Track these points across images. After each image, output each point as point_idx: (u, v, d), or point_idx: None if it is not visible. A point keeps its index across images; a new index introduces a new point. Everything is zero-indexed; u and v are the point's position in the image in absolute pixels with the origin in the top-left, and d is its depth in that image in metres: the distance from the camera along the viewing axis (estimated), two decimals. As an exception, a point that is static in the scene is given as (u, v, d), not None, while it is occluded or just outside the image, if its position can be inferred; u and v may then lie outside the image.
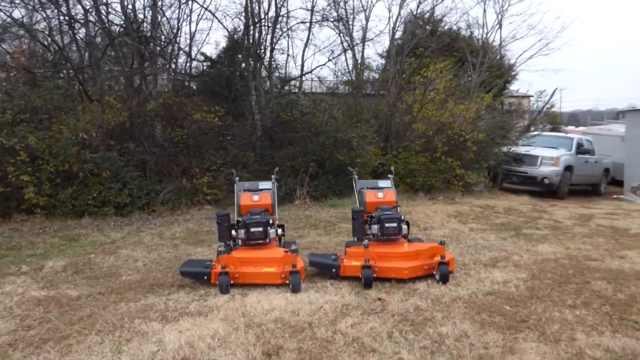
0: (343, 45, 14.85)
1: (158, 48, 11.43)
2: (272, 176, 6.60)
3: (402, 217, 5.70)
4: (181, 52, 12.83)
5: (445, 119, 11.21)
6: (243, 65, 13.11)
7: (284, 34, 12.13)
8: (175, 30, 12.38)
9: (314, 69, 13.01)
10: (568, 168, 12.70)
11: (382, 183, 6.49)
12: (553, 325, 3.90)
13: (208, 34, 12.56)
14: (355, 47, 15.02)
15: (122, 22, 11.17)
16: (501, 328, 3.89)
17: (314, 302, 4.58)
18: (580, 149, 13.49)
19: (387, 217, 5.63)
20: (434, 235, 7.39)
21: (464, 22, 15.55)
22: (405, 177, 11.36)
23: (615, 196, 13.84)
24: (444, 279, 5.06)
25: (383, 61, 18.29)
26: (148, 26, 11.35)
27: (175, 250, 6.93)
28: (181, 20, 12.48)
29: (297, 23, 12.48)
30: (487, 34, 17.23)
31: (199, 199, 10.20)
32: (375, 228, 5.67)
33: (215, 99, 12.95)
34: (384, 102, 12.71)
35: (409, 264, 5.20)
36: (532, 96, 14.57)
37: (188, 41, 13.17)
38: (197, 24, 13.76)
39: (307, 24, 12.81)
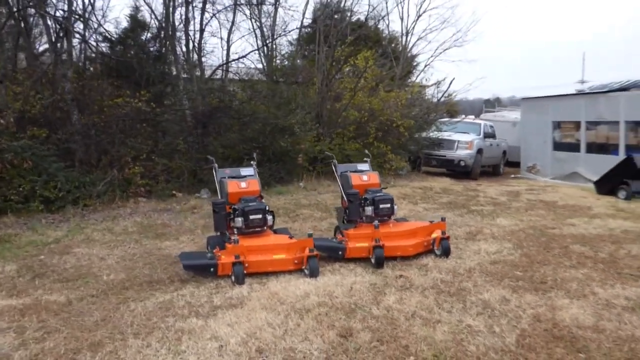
0: (255, 32, 14.47)
1: (82, 24, 10.22)
2: (252, 162, 6.34)
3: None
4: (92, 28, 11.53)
5: (376, 105, 11.62)
6: (156, 46, 12.27)
7: (214, 17, 11.54)
8: (87, 6, 11.10)
9: (244, 56, 12.40)
10: (479, 151, 13.98)
11: (361, 166, 6.59)
12: (571, 284, 4.35)
13: (105, 10, 11.12)
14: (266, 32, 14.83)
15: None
16: (530, 290, 4.24)
17: (340, 284, 4.56)
18: (487, 134, 14.91)
19: (381, 198, 5.76)
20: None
21: (372, 13, 15.88)
22: (340, 162, 11.56)
23: (512, 175, 15.51)
24: (447, 253, 5.33)
25: (292, 48, 18.35)
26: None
27: (140, 246, 6.38)
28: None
29: (223, 8, 11.89)
30: (388, 26, 18.10)
31: (135, 191, 9.42)
32: (369, 210, 5.76)
33: (125, 83, 11.92)
34: (313, 89, 12.77)
35: (413, 242, 5.39)
36: (431, 86, 15.53)
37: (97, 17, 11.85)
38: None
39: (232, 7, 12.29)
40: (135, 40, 12.80)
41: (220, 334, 3.52)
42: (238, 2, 12.19)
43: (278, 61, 15.40)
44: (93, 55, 12.75)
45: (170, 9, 11.28)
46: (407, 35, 15.86)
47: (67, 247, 6.32)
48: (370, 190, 5.96)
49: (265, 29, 14.28)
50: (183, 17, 11.26)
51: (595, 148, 13.20)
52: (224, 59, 12.31)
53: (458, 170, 13.65)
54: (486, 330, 3.50)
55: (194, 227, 7.41)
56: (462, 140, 13.70)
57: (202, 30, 11.20)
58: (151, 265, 5.47)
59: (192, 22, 11.42)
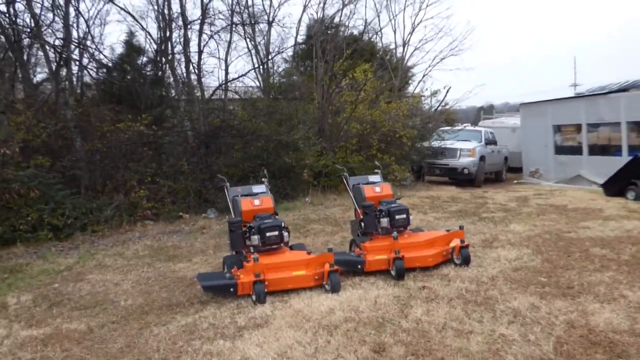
0: (250, 51, 14.49)
1: (78, 51, 10.25)
2: (264, 179, 6.31)
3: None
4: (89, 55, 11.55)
5: (378, 117, 11.64)
6: (153, 70, 12.30)
7: (212, 38, 11.59)
8: (86, 33, 11.17)
9: (242, 76, 12.44)
10: (482, 158, 13.98)
11: (373, 178, 6.57)
12: (599, 288, 4.30)
13: (101, 37, 11.17)
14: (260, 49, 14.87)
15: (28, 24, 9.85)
16: (558, 296, 4.19)
17: (363, 298, 4.49)
18: (488, 140, 14.94)
19: (397, 209, 5.72)
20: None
21: (364, 27, 15.98)
22: (338, 177, 11.57)
23: (515, 181, 15.51)
24: (467, 261, 5.28)
25: (288, 65, 18.44)
26: (59, 27, 10.13)
27: (154, 269, 6.30)
28: (92, 21, 11.28)
29: (219, 29, 11.93)
30: (381, 38, 18.18)
31: (142, 214, 9.36)
32: (385, 221, 5.71)
33: (124, 107, 11.92)
34: (312, 104, 12.80)
35: (432, 252, 5.34)
36: (430, 96, 15.56)
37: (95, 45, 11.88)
38: (103, 26, 12.48)
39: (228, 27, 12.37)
40: (131, 65, 12.86)
41: (250, 354, 3.45)
42: (234, 23, 12.25)
43: (276, 79, 15.49)
44: (90, 82, 12.79)
45: (167, 32, 11.37)
46: (403, 47, 15.95)
47: (80, 274, 6.25)
48: (384, 201, 5.93)
49: (260, 48, 14.38)
50: (181, 39, 11.33)
51: (598, 150, 13.23)
52: (223, 78, 12.36)
53: (461, 179, 13.64)
54: (521, 339, 3.44)
55: (205, 248, 7.34)
56: (465, 148, 13.71)
57: (200, 52, 11.26)
58: (167, 289, 5.40)
59: (190, 44, 11.45)
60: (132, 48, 13.16)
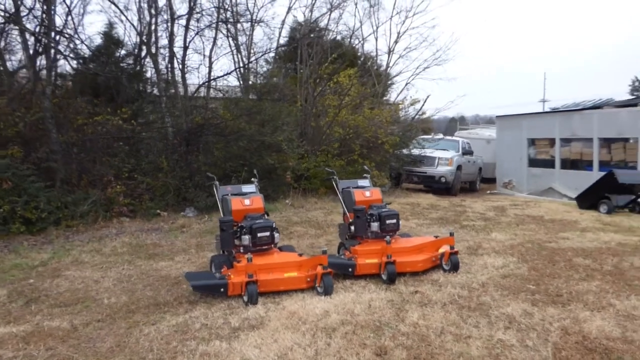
0: (232, 50, 14.29)
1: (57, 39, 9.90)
2: (254, 179, 6.22)
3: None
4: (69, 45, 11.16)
5: (361, 123, 11.70)
6: (132, 64, 12.00)
7: (198, 34, 11.38)
8: (66, 21, 10.79)
9: (227, 74, 12.27)
10: (459, 167, 14.22)
11: (362, 182, 6.57)
12: (587, 296, 4.40)
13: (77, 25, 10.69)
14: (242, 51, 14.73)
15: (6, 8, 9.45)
16: (549, 303, 4.27)
17: (357, 301, 4.47)
18: (465, 151, 15.21)
19: (387, 214, 5.73)
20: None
21: (348, 33, 16.01)
22: (325, 180, 11.55)
23: (489, 191, 15.83)
24: (456, 268, 5.33)
25: (269, 67, 18.34)
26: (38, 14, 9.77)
27: (135, 267, 6.13)
28: (73, 9, 10.88)
29: (205, 26, 11.73)
30: (363, 45, 18.30)
31: (118, 211, 9.10)
32: (375, 225, 5.72)
33: (101, 100, 11.58)
34: (295, 107, 12.76)
35: (422, 257, 5.37)
36: (412, 104, 15.74)
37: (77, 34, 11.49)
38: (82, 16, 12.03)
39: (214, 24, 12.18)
40: (109, 57, 12.52)
41: (249, 356, 3.37)
42: (220, 20, 12.09)
43: (258, 80, 15.35)
44: (66, 72, 12.38)
45: (153, 25, 11.12)
46: (388, 54, 16.10)
47: (57, 270, 6.03)
48: (374, 205, 5.93)
49: (242, 48, 14.22)
50: (167, 33, 11.09)
51: (570, 164, 13.64)
52: (207, 76, 12.16)
53: (438, 187, 13.82)
54: (519, 345, 3.48)
55: (186, 247, 7.19)
56: (443, 157, 13.92)
57: (185, 47, 11.04)
58: (152, 287, 5.25)
59: (174, 39, 11.22)
60: (111, 40, 12.83)
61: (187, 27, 11.01)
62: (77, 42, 10.93)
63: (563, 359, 3.26)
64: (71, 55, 10.79)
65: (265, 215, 5.58)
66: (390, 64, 16.08)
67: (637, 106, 12.20)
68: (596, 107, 13.31)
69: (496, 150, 16.12)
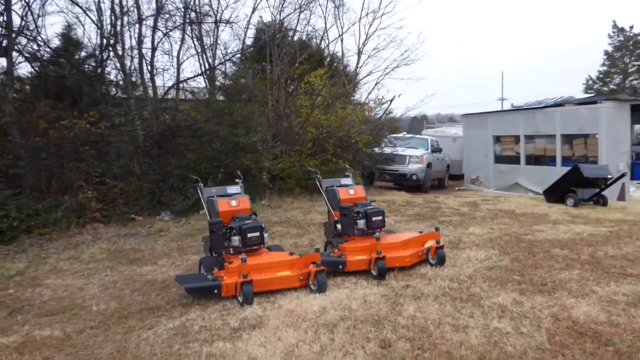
0: (197, 51, 14.02)
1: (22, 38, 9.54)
2: (238, 180, 6.20)
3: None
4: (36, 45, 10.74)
5: (334, 122, 11.80)
6: (92, 66, 11.69)
7: (166, 35, 11.18)
8: (26, 21, 10.39)
9: (196, 75, 12.14)
10: (429, 165, 14.53)
11: (345, 180, 6.65)
12: (570, 285, 4.62)
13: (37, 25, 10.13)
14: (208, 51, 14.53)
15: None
16: (535, 292, 4.46)
17: (351, 297, 4.54)
18: (434, 148, 15.56)
19: (373, 211, 5.84)
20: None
21: (313, 33, 16.03)
22: (300, 180, 11.60)
23: (457, 188, 16.25)
24: (442, 261, 5.48)
25: (235, 68, 18.21)
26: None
27: (118, 273, 6.01)
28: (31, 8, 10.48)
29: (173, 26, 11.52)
30: (328, 46, 18.42)
31: (92, 216, 8.86)
32: (361, 223, 5.81)
33: (64, 103, 11.21)
34: (267, 108, 12.74)
35: (409, 252, 5.49)
36: (383, 104, 15.93)
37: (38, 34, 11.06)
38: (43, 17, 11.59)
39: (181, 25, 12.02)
40: (70, 60, 12.16)
41: (256, 354, 3.39)
42: (186, 21, 11.95)
43: (227, 81, 15.20)
44: (25, 75, 11.92)
45: (119, 27, 10.88)
46: (358, 55, 16.27)
47: (35, 279, 5.85)
48: (359, 203, 6.02)
49: (208, 49, 14.03)
50: (136, 34, 10.87)
51: (534, 160, 14.18)
52: (175, 78, 11.98)
53: (409, 184, 14.08)
54: (514, 332, 3.63)
55: (168, 251, 7.09)
56: (414, 155, 14.20)
57: (154, 49, 10.85)
58: (140, 292, 5.17)
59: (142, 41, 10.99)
60: (70, 41, 12.46)
61: (154, 28, 10.84)
62: (40, 43, 10.58)
63: (557, 343, 3.42)
64: (33, 57, 10.42)
65: (254, 216, 5.58)
66: (360, 65, 16.25)
67: (597, 103, 12.80)
68: (558, 104, 13.90)
69: (463, 147, 16.56)
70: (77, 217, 8.61)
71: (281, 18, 13.73)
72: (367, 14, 17.02)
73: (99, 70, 11.82)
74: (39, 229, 7.93)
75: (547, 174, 13.39)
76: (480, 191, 14.41)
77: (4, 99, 9.68)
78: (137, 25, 10.42)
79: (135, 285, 5.42)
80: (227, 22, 12.90)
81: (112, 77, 11.97)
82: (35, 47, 10.75)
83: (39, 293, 5.30)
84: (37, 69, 10.52)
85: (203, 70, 13.36)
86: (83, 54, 12.65)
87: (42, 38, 10.14)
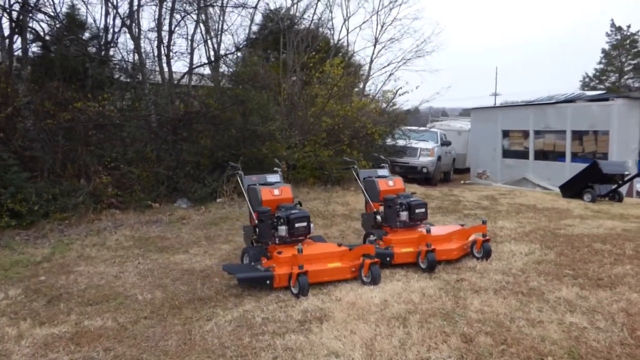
0: (209, 39, 13.68)
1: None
2: (277, 169, 6.05)
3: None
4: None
5: (352, 113, 11.66)
6: (102, 48, 11.38)
7: (183, 19, 10.90)
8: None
9: (210, 62, 11.88)
10: (439, 158, 14.50)
11: (382, 172, 6.55)
12: (628, 279, 4.58)
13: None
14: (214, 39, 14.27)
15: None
16: (596, 287, 4.40)
17: (409, 290, 4.45)
18: (443, 142, 15.52)
19: (417, 203, 5.74)
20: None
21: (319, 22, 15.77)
22: (314, 170, 11.47)
23: (462, 181, 16.26)
24: (489, 255, 5.41)
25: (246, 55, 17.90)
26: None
27: (151, 261, 5.86)
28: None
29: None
30: (333, 35, 18.22)
31: (108, 202, 8.64)
32: (404, 215, 5.71)
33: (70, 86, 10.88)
34: (281, 96, 12.54)
35: (455, 245, 5.41)
36: (398, 95, 15.73)
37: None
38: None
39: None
40: (84, 40, 11.83)
41: (335, 349, 3.27)
42: (204, 4, 11.67)
43: (239, 68, 14.89)
44: (32, 55, 11.56)
45: (135, 7, 10.57)
46: (374, 45, 16.11)
47: (65, 266, 5.66)
48: (402, 195, 5.92)
49: (218, 35, 13.72)
50: (155, 16, 10.57)
51: (543, 155, 14.21)
52: (189, 64, 11.72)
53: (420, 177, 14.02)
54: (591, 327, 3.57)
55: (196, 239, 6.93)
56: (424, 147, 14.14)
57: (171, 32, 10.58)
58: (182, 281, 5.02)
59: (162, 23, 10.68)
60: (74, 22, 12.14)
61: (172, 10, 10.55)
62: (52, 21, 10.25)
63: (639, 338, 3.36)
64: (49, 36, 10.10)
65: (299, 205, 5.44)
66: (374, 55, 16.10)
67: (608, 100, 12.84)
68: (569, 100, 13.91)
69: (470, 141, 16.55)
70: (95, 203, 8.38)
71: (298, 6, 13.47)
72: (384, 7, 16.74)
73: (111, 51, 11.54)
74: (56, 214, 7.69)
75: (556, 170, 13.45)
76: (490, 185, 14.41)
77: (19, 78, 9.38)
78: (154, 7, 10.08)
79: (174, 274, 5.27)
80: (241, 6, 12.58)
81: (128, 59, 11.69)
82: (48, 25, 10.46)
83: (74, 280, 5.12)
84: (52, 48, 10.16)
85: (221, 55, 13.06)
86: (89, 35, 12.37)
87: (57, 15, 9.74)
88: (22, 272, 5.48)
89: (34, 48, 11.18)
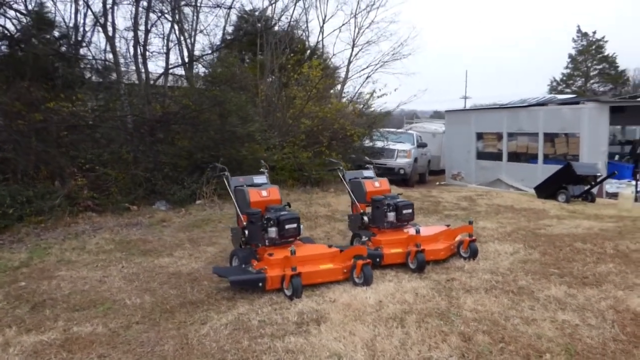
0: (178, 37, 13.45)
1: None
2: (263, 169, 6.01)
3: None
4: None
5: (330, 114, 11.69)
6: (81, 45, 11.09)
7: (159, 19, 10.70)
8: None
9: (186, 63, 11.69)
10: (416, 160, 14.66)
11: (367, 173, 6.57)
12: (612, 277, 4.72)
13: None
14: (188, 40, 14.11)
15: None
16: (583, 285, 4.53)
17: (401, 290, 4.48)
18: (419, 143, 15.70)
19: (404, 204, 5.79)
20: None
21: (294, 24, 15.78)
22: (293, 171, 11.45)
23: (437, 183, 16.48)
24: (475, 255, 5.49)
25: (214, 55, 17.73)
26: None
27: (135, 265, 5.72)
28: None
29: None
30: (308, 37, 18.26)
31: (85, 205, 8.40)
32: (392, 215, 5.75)
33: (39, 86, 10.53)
34: (258, 97, 12.47)
35: (443, 245, 5.48)
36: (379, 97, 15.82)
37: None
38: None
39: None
40: (46, 39, 11.46)
41: (336, 350, 3.26)
42: (181, 3, 11.50)
43: (211, 69, 14.72)
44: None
45: (109, 6, 10.33)
46: (352, 48, 16.19)
47: (45, 271, 5.48)
48: (389, 196, 5.96)
49: (193, 35, 13.52)
50: (131, 15, 10.35)
51: (516, 157, 14.55)
52: (165, 64, 11.53)
53: (397, 178, 14.12)
54: (583, 324, 3.66)
55: (178, 242, 6.80)
56: (402, 149, 14.27)
57: (147, 31, 10.38)
58: (170, 285, 4.92)
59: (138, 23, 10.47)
60: (42, 20, 11.76)
61: (148, 9, 10.35)
62: (27, 18, 9.92)
63: (631, 334, 3.47)
64: (18, 33, 9.75)
65: (288, 207, 5.41)
66: (352, 58, 16.18)
67: (579, 104, 13.25)
68: (541, 104, 14.29)
69: (445, 143, 16.79)
70: (71, 206, 8.14)
71: (275, 7, 13.41)
72: (362, 10, 16.84)
73: (82, 50, 11.22)
74: (32, 217, 7.43)
75: (528, 171, 13.78)
76: (465, 186, 14.65)
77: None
78: (129, 6, 9.87)
79: (161, 278, 5.15)
80: (218, 5, 12.44)
81: (101, 58, 11.39)
82: (17, 22, 10.10)
83: (57, 286, 4.96)
84: (20, 46, 9.82)
85: (196, 56, 12.86)
86: (57, 33, 12.00)
87: (29, 12, 9.43)
88: (0, 277, 5.27)
89: (2, 47, 10.80)
